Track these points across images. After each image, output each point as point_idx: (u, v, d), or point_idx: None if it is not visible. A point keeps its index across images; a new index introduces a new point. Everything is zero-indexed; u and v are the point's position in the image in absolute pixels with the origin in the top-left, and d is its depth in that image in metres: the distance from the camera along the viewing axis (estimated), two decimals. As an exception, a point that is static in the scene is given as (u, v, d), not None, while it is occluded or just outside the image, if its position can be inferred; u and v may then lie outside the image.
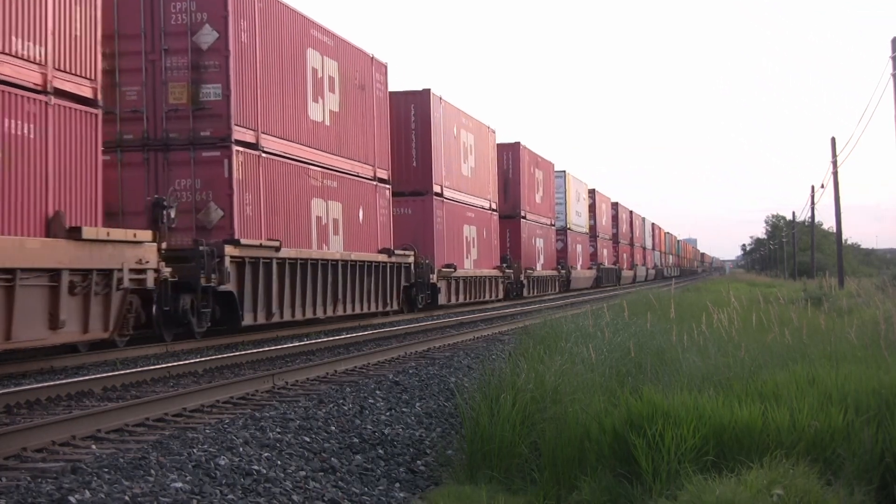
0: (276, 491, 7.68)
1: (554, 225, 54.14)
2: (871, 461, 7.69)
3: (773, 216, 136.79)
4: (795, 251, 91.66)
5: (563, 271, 55.56)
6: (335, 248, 24.41)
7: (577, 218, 61.68)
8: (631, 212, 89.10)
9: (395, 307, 28.49)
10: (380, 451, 9.62)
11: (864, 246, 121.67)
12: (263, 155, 20.72)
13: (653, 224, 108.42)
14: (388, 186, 28.81)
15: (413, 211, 31.82)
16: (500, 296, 41.29)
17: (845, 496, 6.97)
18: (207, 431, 9.24)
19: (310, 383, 13.11)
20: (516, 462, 8.88)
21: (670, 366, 10.74)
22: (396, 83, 32.39)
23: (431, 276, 31.04)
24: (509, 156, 45.58)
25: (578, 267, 60.88)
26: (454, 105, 35.52)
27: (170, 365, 14.19)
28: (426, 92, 32.48)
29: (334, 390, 12.29)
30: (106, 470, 7.54)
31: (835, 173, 48.03)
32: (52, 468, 7.63)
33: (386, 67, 29.02)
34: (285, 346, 17.85)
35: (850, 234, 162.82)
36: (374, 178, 27.73)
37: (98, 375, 12.85)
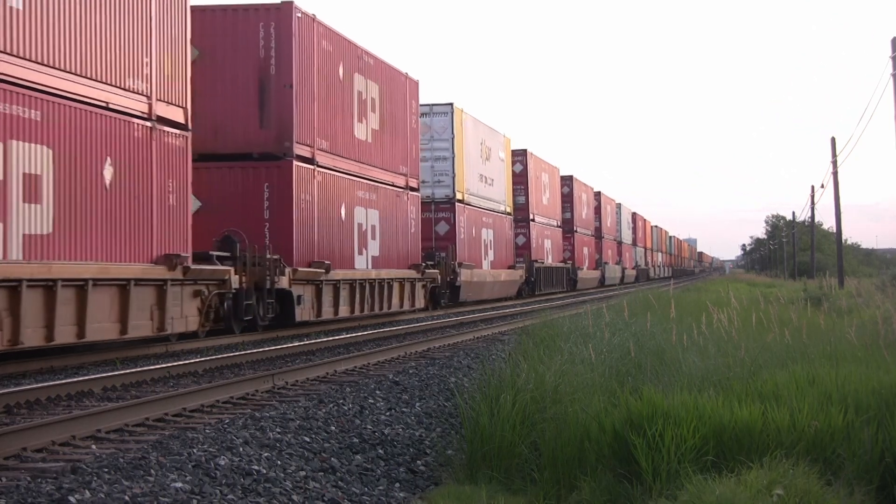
0: (275, 491, 7.68)
1: (416, 190, 29.92)
2: (871, 461, 7.70)
3: (773, 216, 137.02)
4: (795, 251, 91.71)
5: (430, 271, 30.55)
6: None
7: (484, 187, 39.07)
8: (599, 193, 68.08)
9: None
10: (380, 451, 9.62)
11: (864, 246, 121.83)
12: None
13: (634, 213, 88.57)
14: None
15: None
16: (191, 327, 17.74)
17: (845, 496, 6.98)
18: (207, 431, 9.25)
19: (310, 383, 13.12)
20: (516, 462, 8.88)
21: (670, 366, 10.75)
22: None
23: None
24: (272, 32, 21.03)
25: (485, 266, 38.24)
26: None
27: (170, 365, 14.20)
28: None
29: (334, 390, 12.29)
30: (106, 470, 7.54)
31: (835, 173, 48.11)
32: (52, 468, 7.63)
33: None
34: (285, 346, 17.86)
35: (850, 234, 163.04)
36: None
37: (98, 375, 12.86)
